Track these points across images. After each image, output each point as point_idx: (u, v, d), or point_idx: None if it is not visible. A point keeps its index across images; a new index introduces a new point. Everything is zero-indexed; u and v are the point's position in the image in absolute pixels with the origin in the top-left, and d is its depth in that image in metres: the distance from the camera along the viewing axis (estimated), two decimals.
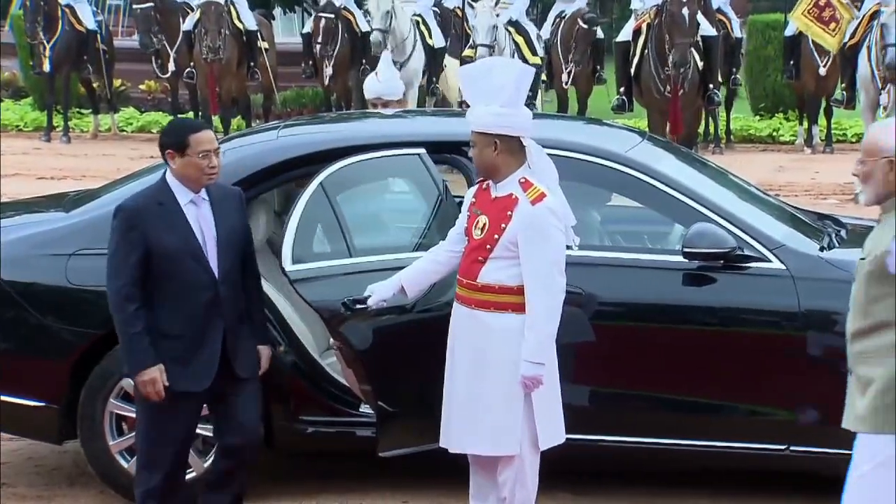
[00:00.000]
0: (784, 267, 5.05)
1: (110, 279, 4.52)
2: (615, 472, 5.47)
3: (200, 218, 4.55)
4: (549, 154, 5.44)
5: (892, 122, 3.93)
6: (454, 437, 4.60)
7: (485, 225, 4.51)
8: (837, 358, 5.02)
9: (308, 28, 16.66)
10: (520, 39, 14.40)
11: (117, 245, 4.51)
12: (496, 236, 4.48)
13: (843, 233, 5.64)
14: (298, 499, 5.31)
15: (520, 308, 4.45)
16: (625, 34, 13.50)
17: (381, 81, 7.68)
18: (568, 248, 4.61)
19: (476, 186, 4.69)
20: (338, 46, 15.43)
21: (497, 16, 13.68)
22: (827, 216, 6.08)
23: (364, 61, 14.64)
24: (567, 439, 4.68)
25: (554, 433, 4.58)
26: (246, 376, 4.64)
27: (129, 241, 4.48)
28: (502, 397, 4.47)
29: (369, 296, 4.71)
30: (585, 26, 16.39)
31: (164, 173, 4.61)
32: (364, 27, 15.62)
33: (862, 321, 3.89)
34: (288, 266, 4.93)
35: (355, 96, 15.85)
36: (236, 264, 4.61)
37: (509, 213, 4.46)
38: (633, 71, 13.14)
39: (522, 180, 4.50)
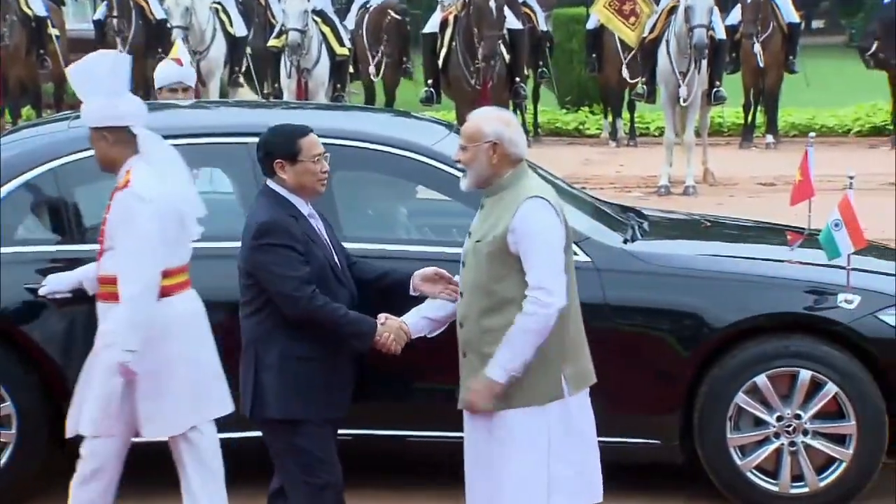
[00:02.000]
0: (589, 259, 5.18)
1: (290, 294, 4.08)
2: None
3: (323, 232, 4.26)
4: (356, 146, 5.46)
5: (491, 110, 4.27)
6: (72, 420, 4.69)
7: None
8: (643, 348, 5.24)
9: (100, 14, 16.23)
10: (326, 29, 14.35)
11: (284, 259, 4.08)
12: (103, 227, 4.59)
13: (645, 225, 5.85)
14: None
15: None
16: (431, 25, 13.60)
17: (184, 66, 7.38)
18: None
19: None
20: (132, 31, 15.10)
21: (308, 1, 13.62)
22: (630, 208, 6.28)
23: (160, 50, 14.35)
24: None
25: (163, 425, 4.60)
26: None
27: (295, 253, 4.10)
28: (101, 382, 4.54)
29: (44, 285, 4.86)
30: (398, 17, 16.47)
31: (269, 188, 4.20)
32: (159, 14, 15.31)
33: (487, 300, 4.10)
34: None
35: (154, 86, 15.40)
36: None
37: (109, 202, 4.57)
38: (440, 63, 13.27)
39: (128, 169, 4.58)
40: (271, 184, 4.21)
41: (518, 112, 17.00)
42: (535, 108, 17.42)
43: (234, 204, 5.42)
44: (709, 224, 6.48)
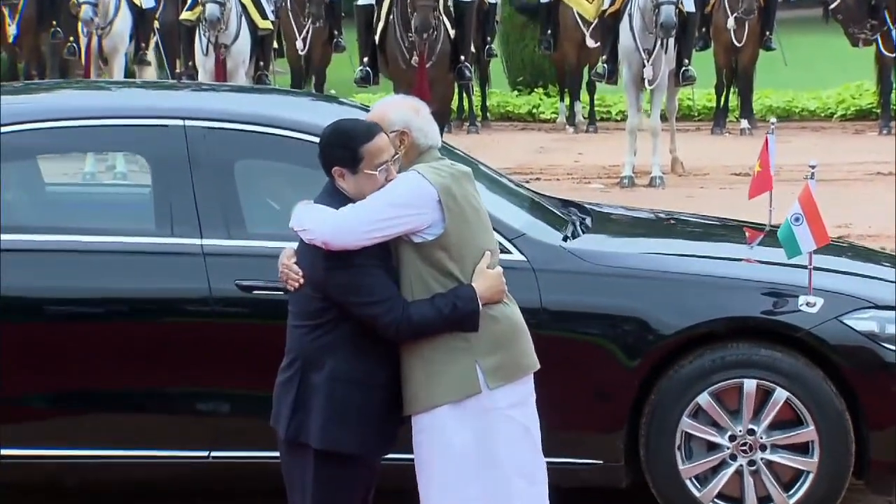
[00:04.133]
0: (524, 258, 5.23)
1: (384, 314, 4.04)
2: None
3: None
4: (266, 133, 5.53)
5: (395, 98, 4.39)
6: None
7: None
8: (583, 357, 5.29)
9: None
10: (247, 1, 14.35)
11: (369, 274, 4.06)
12: None
13: (588, 221, 5.90)
14: None
15: None
16: None
17: None
18: None
19: None
20: (23, 1, 15.04)
21: None
22: (571, 203, 6.32)
23: (55, 23, 14.31)
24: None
25: None
26: None
27: (374, 265, 4.07)
28: None
29: None
30: None
31: (335, 189, 4.15)
32: None
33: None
34: None
35: (49, 63, 15.45)
36: None
37: None
38: (377, 39, 13.27)
39: None
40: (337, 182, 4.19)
41: (465, 94, 17.08)
42: (484, 89, 17.48)
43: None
44: (659, 220, 6.56)
